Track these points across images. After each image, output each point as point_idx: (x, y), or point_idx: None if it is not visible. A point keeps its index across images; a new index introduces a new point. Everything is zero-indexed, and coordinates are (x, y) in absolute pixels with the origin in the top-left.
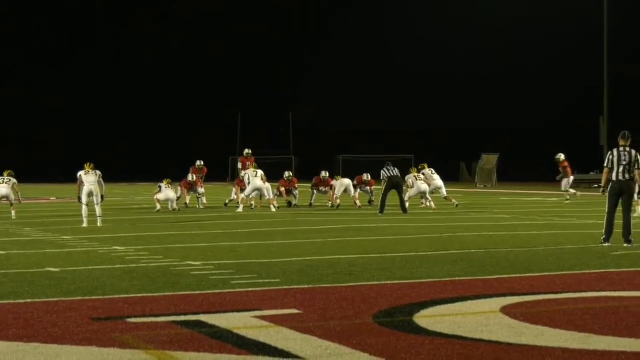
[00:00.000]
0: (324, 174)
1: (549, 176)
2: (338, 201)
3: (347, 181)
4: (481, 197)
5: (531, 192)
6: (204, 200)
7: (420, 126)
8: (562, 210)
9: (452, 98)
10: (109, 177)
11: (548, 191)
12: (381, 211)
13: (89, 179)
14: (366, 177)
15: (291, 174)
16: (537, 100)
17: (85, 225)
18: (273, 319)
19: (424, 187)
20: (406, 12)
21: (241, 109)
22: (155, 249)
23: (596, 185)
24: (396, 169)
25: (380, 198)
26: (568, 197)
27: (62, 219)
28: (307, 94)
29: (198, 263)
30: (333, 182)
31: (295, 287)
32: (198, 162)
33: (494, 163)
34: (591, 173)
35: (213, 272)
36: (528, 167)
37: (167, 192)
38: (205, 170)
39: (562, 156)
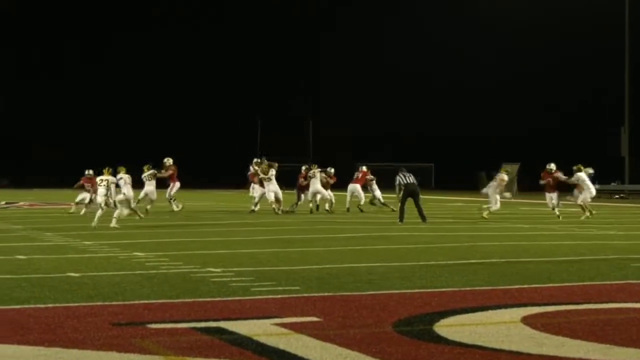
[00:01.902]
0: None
1: (568, 186)
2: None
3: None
4: (501, 207)
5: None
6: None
7: (440, 133)
8: (582, 220)
9: (471, 106)
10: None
11: (569, 201)
12: (401, 219)
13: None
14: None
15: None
16: (556, 108)
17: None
18: (293, 327)
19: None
20: (426, 21)
21: (260, 116)
22: (175, 255)
23: (617, 196)
24: (412, 176)
25: (399, 207)
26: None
27: (83, 224)
28: (324, 103)
29: (218, 270)
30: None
31: (315, 294)
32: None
33: (514, 172)
34: (612, 184)
35: (233, 279)
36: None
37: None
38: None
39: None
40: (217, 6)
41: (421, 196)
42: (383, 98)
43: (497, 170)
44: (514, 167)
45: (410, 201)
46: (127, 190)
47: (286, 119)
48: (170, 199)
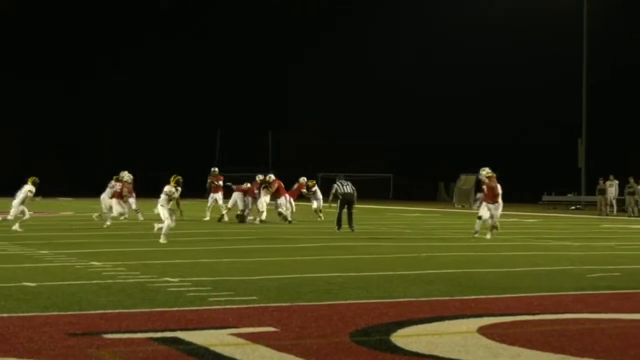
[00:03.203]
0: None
1: (528, 197)
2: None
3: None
4: (459, 218)
5: (509, 213)
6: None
7: (401, 143)
8: (539, 231)
9: (432, 116)
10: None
11: (526, 212)
12: (339, 227)
13: None
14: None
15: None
16: (514, 121)
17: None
18: (250, 337)
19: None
20: (390, 30)
21: (220, 125)
22: (132, 265)
23: (574, 207)
24: (349, 185)
25: (337, 215)
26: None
27: (39, 233)
28: (291, 113)
29: (175, 279)
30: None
31: (273, 304)
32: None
33: (472, 183)
34: (569, 195)
35: (190, 288)
36: (506, 189)
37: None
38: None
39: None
40: (179, 15)
41: (378, 207)
42: (347, 108)
43: (455, 180)
44: (471, 178)
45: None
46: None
47: (247, 129)
48: (136, 210)
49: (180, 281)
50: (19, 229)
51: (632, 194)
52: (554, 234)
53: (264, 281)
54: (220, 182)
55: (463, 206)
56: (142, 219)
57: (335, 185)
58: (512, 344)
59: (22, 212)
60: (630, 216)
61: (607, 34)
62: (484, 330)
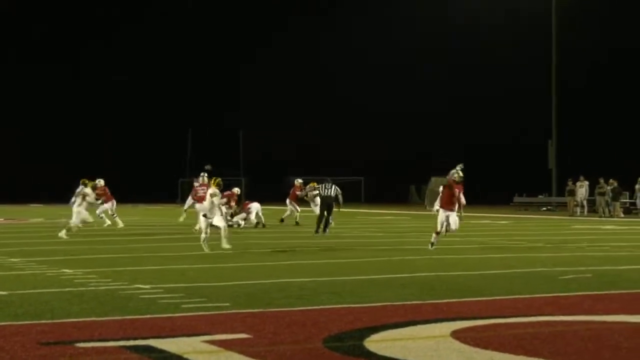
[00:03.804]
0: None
1: (500, 199)
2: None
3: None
4: (431, 220)
5: (481, 214)
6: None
7: (370, 148)
8: (511, 232)
9: (406, 123)
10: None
11: (498, 213)
12: (317, 231)
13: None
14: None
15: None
16: (486, 123)
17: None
18: (222, 344)
19: None
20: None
21: (191, 128)
22: (104, 272)
23: (545, 208)
24: (332, 189)
25: (317, 218)
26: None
27: (11, 240)
28: (255, 117)
29: (147, 286)
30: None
31: (245, 310)
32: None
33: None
34: (540, 196)
35: (162, 295)
36: (477, 190)
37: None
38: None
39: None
40: (149, 15)
41: (350, 210)
42: (314, 111)
43: (427, 184)
44: (443, 181)
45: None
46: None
47: (218, 132)
48: (113, 215)
49: (152, 288)
50: (64, 236)
51: (603, 194)
52: (526, 236)
53: (236, 287)
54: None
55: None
56: (121, 225)
57: (319, 187)
58: (485, 347)
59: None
60: (600, 217)
61: (577, 35)
62: (457, 334)
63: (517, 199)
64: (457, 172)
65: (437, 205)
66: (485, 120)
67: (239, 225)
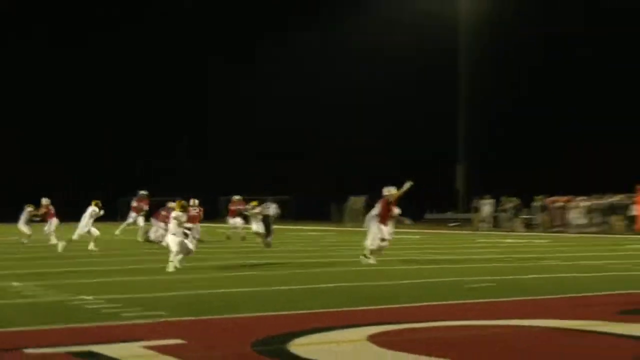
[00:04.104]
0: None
1: (412, 215)
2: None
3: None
4: (350, 235)
5: (395, 230)
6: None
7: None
8: (423, 246)
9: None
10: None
11: (411, 229)
12: (264, 243)
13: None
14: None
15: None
16: (399, 147)
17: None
18: (159, 349)
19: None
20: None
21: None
22: (50, 285)
23: (452, 224)
24: (271, 209)
25: (259, 234)
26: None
27: None
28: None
29: (90, 297)
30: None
31: (181, 318)
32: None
33: (360, 204)
34: (448, 213)
35: (104, 305)
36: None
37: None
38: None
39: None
40: (96, 39)
41: (279, 227)
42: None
43: (346, 202)
44: (361, 200)
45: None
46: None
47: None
48: (50, 234)
49: (95, 299)
50: (94, 248)
51: (505, 211)
52: (436, 249)
53: (173, 297)
54: (146, 207)
55: (353, 225)
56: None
57: (260, 207)
58: (399, 350)
59: (89, 232)
60: (503, 231)
61: (482, 66)
62: (373, 338)
63: (427, 215)
64: (393, 189)
65: (373, 220)
66: (399, 145)
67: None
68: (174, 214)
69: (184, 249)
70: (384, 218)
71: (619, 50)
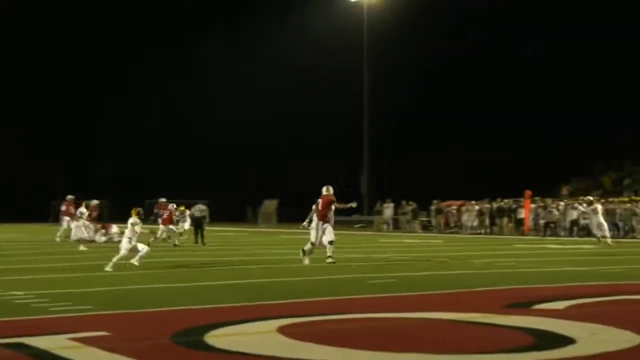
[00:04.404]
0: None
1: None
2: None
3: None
4: (264, 236)
5: (305, 231)
6: None
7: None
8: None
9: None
10: None
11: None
12: (196, 242)
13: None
14: None
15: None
16: (310, 157)
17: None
18: (85, 341)
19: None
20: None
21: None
22: None
23: (358, 226)
24: (200, 211)
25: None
26: None
27: None
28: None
29: (21, 293)
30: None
31: (106, 312)
32: None
33: (273, 207)
34: (354, 216)
35: (33, 300)
36: (302, 210)
37: None
38: None
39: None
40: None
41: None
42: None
43: (260, 205)
44: (274, 202)
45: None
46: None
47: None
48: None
49: (25, 294)
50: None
51: (405, 214)
52: (341, 248)
53: (99, 292)
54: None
55: (267, 226)
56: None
57: (191, 210)
58: (305, 340)
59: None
60: (403, 232)
61: (384, 79)
62: (282, 330)
63: (335, 217)
64: (329, 188)
65: (314, 221)
66: (309, 152)
67: (93, 241)
68: (131, 220)
69: (130, 253)
70: (323, 216)
71: (513, 62)
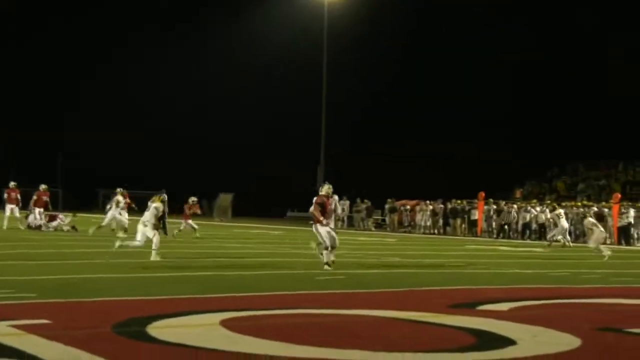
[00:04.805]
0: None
1: (275, 213)
2: None
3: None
4: (218, 229)
5: (258, 225)
6: None
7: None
8: (282, 241)
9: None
10: None
11: (273, 225)
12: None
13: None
14: None
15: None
16: (268, 154)
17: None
18: (26, 328)
19: None
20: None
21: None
22: None
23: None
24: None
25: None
26: None
27: None
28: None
29: None
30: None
31: (48, 300)
32: None
33: (229, 201)
34: (308, 211)
35: None
36: (258, 205)
37: None
38: None
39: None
40: None
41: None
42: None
43: (216, 199)
44: (229, 196)
45: None
46: None
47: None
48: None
49: None
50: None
51: (359, 211)
52: (294, 243)
53: (43, 281)
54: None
55: (221, 219)
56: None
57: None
58: (248, 334)
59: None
60: (357, 230)
61: (342, 79)
62: (225, 323)
63: (290, 213)
64: (328, 187)
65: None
66: (265, 147)
67: (49, 228)
68: (154, 204)
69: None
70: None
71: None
